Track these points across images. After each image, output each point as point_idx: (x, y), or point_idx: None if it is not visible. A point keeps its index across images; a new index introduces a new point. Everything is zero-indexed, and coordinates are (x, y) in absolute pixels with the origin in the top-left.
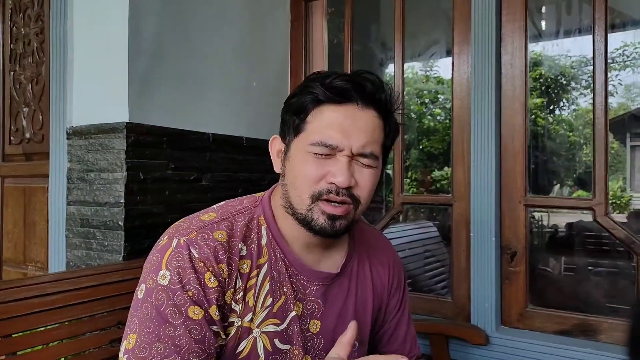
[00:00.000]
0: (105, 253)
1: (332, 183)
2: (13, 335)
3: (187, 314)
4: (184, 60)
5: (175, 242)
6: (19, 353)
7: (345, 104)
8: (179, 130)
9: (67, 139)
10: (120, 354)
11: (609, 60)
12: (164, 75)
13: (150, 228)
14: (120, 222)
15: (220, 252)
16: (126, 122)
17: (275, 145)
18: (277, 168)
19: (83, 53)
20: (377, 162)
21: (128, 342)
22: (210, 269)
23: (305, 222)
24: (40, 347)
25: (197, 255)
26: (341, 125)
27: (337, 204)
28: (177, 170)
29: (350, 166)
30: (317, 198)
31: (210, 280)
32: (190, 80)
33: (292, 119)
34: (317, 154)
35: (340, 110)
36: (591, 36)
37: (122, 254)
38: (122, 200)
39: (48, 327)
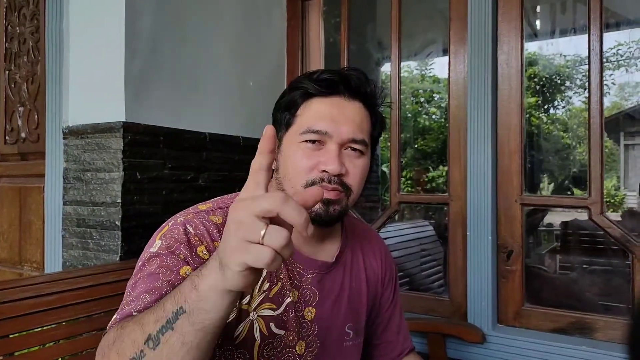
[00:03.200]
0: (102, 253)
1: (324, 171)
2: (10, 336)
3: (178, 272)
4: (180, 60)
5: (172, 222)
6: (16, 354)
7: (333, 96)
8: (175, 129)
9: (63, 138)
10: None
11: (603, 60)
12: (160, 74)
13: (147, 228)
14: (117, 222)
15: (215, 231)
16: (123, 122)
17: None
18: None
19: (79, 52)
20: (367, 151)
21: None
22: (205, 244)
23: None
24: (37, 347)
25: (192, 231)
26: (330, 114)
27: (329, 190)
28: (173, 169)
29: (340, 154)
30: (310, 187)
31: (202, 253)
32: (187, 80)
33: (283, 115)
34: (307, 141)
35: (328, 102)
36: (585, 36)
37: (119, 254)
38: (119, 200)
39: (45, 327)
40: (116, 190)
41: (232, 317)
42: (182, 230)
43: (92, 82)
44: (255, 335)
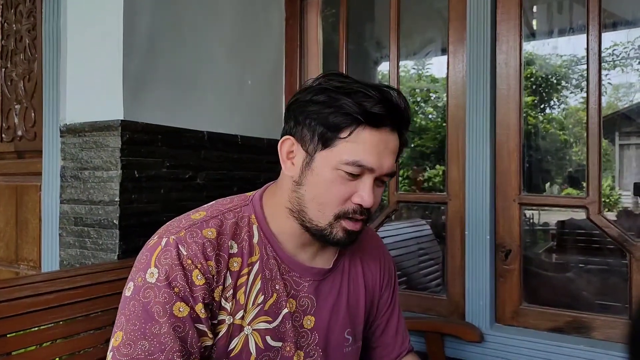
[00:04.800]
0: (99, 252)
1: (358, 204)
2: (7, 336)
3: (171, 312)
4: (178, 58)
5: (164, 240)
6: (14, 353)
7: (381, 128)
8: (174, 128)
9: (61, 136)
10: (108, 351)
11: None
12: (158, 73)
13: (145, 226)
14: (114, 221)
15: (209, 249)
16: (121, 120)
17: (286, 146)
18: (286, 169)
19: (76, 50)
20: None
21: (115, 339)
22: (198, 266)
23: (320, 234)
24: (34, 347)
25: (185, 253)
26: (377, 148)
27: (357, 221)
28: (172, 168)
29: (373, 186)
30: (340, 217)
31: (197, 278)
32: (185, 78)
33: (320, 130)
34: (348, 173)
35: (377, 135)
36: (582, 36)
37: (117, 253)
38: (117, 199)
39: (42, 327)
40: (114, 188)
41: (221, 333)
42: (174, 253)
43: (89, 80)
44: (251, 349)
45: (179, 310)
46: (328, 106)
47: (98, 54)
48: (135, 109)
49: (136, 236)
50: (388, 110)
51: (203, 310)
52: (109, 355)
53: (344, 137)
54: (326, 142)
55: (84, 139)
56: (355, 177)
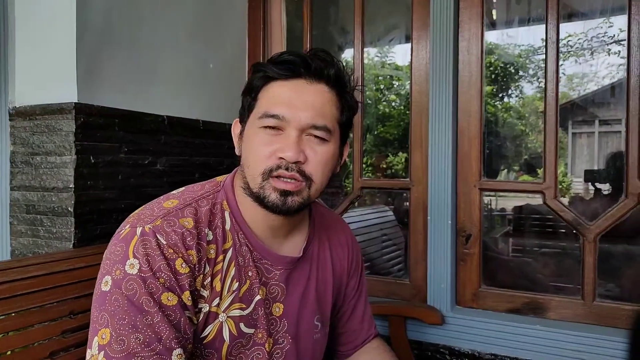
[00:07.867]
0: (53, 240)
1: (282, 158)
2: None
3: (161, 301)
4: (136, 38)
5: (139, 229)
6: None
7: (293, 79)
8: (131, 111)
9: (10, 120)
10: (93, 351)
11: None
12: (115, 53)
13: (102, 214)
14: (69, 208)
15: (189, 239)
16: (75, 103)
17: (236, 128)
18: (237, 150)
19: (26, 26)
20: (332, 138)
21: (101, 337)
22: (180, 255)
23: (259, 200)
24: None
25: (165, 242)
26: (288, 98)
27: (287, 180)
28: (130, 153)
29: (299, 141)
30: (267, 175)
31: (181, 266)
32: (144, 59)
33: (246, 99)
34: (265, 127)
35: (288, 85)
36: (539, 26)
37: (72, 241)
38: (72, 185)
39: None
40: (68, 174)
41: (200, 318)
42: (154, 243)
43: (40, 60)
44: (225, 336)
45: (168, 299)
46: (251, 74)
47: (49, 32)
48: (90, 91)
49: (93, 224)
50: (298, 60)
51: (189, 298)
52: (99, 355)
53: (260, 97)
54: (250, 108)
55: (35, 122)
56: (277, 131)
